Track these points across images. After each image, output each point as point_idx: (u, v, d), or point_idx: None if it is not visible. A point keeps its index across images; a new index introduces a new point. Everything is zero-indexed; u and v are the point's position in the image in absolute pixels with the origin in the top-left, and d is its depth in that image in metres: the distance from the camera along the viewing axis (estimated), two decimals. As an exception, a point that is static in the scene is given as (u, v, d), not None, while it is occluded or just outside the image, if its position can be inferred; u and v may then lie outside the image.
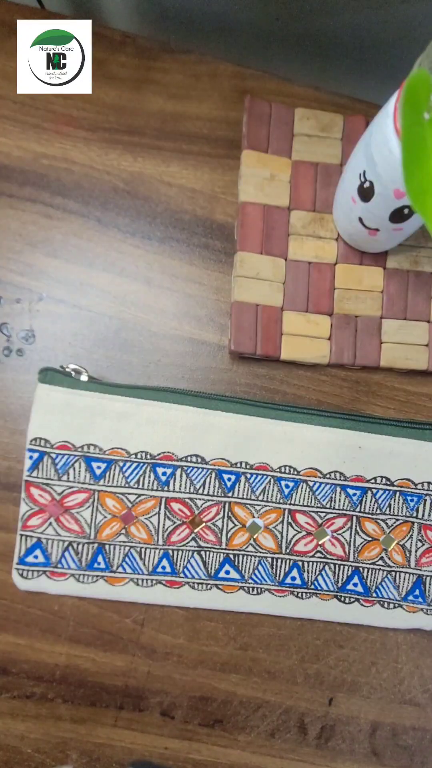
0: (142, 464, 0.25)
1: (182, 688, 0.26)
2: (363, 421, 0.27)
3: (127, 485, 0.25)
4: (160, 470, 0.25)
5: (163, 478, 0.25)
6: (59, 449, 0.25)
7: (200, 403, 0.25)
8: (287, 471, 0.26)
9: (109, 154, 0.27)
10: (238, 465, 0.26)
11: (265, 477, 0.26)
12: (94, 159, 0.27)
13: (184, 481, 0.26)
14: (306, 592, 0.26)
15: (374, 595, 0.26)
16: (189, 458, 0.26)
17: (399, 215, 0.23)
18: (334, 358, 0.27)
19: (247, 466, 0.26)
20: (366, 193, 0.22)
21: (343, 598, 0.26)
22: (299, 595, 0.26)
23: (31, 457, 0.25)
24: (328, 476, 0.26)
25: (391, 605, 0.27)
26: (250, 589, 0.26)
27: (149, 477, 0.25)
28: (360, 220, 0.24)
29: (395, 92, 0.20)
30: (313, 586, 0.26)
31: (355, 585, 0.26)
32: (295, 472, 0.26)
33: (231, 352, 0.27)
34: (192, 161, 0.28)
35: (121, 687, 0.26)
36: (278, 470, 0.26)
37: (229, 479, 0.26)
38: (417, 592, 0.27)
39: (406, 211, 0.22)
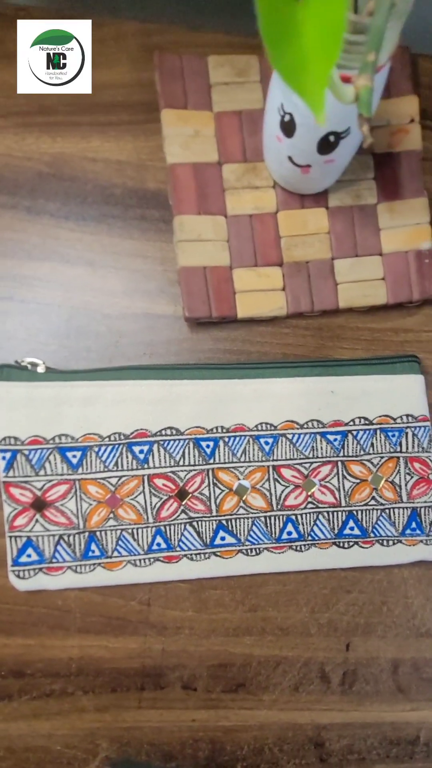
0: (117, 446, 0.27)
1: (199, 659, 0.28)
2: (331, 365, 0.28)
3: (106, 469, 0.27)
4: (136, 449, 0.27)
5: (141, 456, 0.27)
6: (30, 444, 0.26)
7: (163, 375, 0.27)
8: (264, 428, 0.28)
9: (26, 139, 0.28)
10: (214, 430, 0.27)
11: (243, 438, 0.27)
12: (12, 146, 0.28)
13: (162, 455, 0.27)
14: (304, 545, 0.28)
15: (372, 535, 0.28)
16: (163, 432, 0.27)
17: (326, 145, 0.24)
18: (291, 308, 0.28)
19: (224, 430, 0.27)
20: (288, 127, 0.23)
21: (341, 544, 0.28)
22: (298, 548, 0.28)
23: (3, 458, 0.26)
24: (305, 426, 0.28)
25: (390, 542, 0.28)
26: (249, 550, 0.27)
27: (127, 457, 0.27)
28: (290, 158, 0.25)
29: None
30: (310, 537, 0.28)
31: (352, 529, 0.28)
32: (272, 428, 0.28)
33: (187, 320, 0.28)
34: (112, 132, 0.28)
35: (139, 668, 0.28)
36: (255, 428, 0.27)
37: (207, 446, 0.27)
38: (414, 525, 0.28)
39: (332, 138, 0.23)
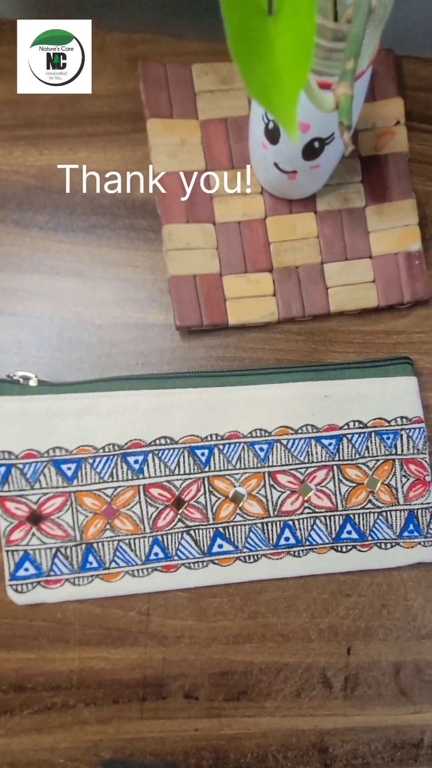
0: (111, 457, 0.27)
1: (200, 668, 0.28)
2: (324, 370, 0.28)
3: (101, 480, 0.27)
4: (131, 459, 0.27)
5: (136, 466, 0.27)
6: (25, 458, 0.26)
7: (156, 385, 0.27)
8: (258, 434, 0.28)
9: (13, 153, 0.28)
10: (209, 438, 0.27)
11: (237, 445, 0.28)
12: (-1, 160, 0.28)
13: (157, 465, 0.27)
14: (302, 550, 0.28)
15: (370, 538, 0.28)
16: (158, 441, 0.27)
17: (311, 151, 0.24)
18: (282, 314, 0.28)
19: (218, 438, 0.27)
20: (273, 134, 0.23)
21: (339, 548, 0.28)
22: (296, 553, 0.28)
23: (-2, 472, 0.26)
24: (300, 431, 0.28)
25: (389, 545, 0.28)
26: (247, 557, 0.28)
27: (122, 468, 0.27)
28: (276, 165, 0.25)
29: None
30: (308, 542, 0.28)
31: (349, 532, 0.28)
32: (267, 434, 0.28)
33: (178, 328, 0.28)
34: (99, 143, 0.29)
35: (140, 679, 0.28)
36: (249, 435, 0.28)
37: (202, 454, 0.27)
38: (411, 527, 0.28)
39: (316, 144, 0.23)
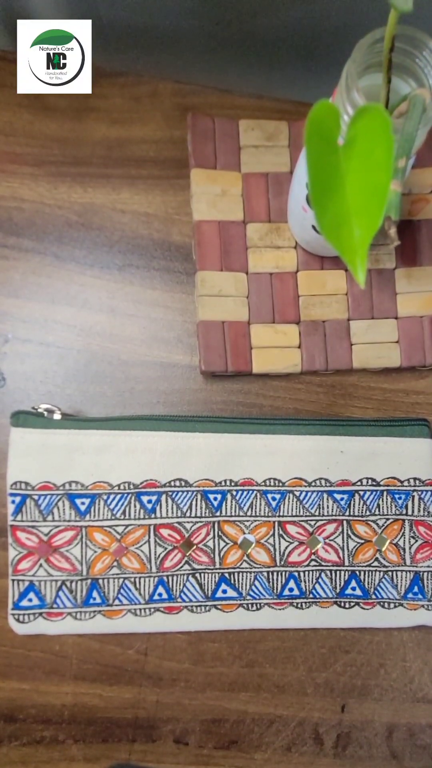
0: (126, 495, 0.27)
1: (193, 713, 0.28)
2: (342, 425, 0.29)
3: (113, 517, 0.27)
4: (145, 498, 0.27)
5: (149, 506, 0.27)
6: (41, 490, 0.27)
7: (177, 427, 0.27)
8: (272, 483, 0.28)
9: (59, 188, 0.29)
10: (223, 483, 0.28)
11: (251, 492, 0.28)
12: (44, 194, 0.29)
13: (170, 506, 0.27)
14: (305, 602, 0.28)
15: (374, 596, 0.28)
16: (173, 483, 0.28)
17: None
18: (306, 366, 0.29)
19: (232, 484, 0.28)
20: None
21: (343, 604, 0.28)
22: (299, 605, 0.28)
23: (13, 501, 0.26)
24: (313, 484, 0.28)
25: (392, 605, 0.29)
26: (250, 605, 0.28)
27: (135, 506, 0.27)
28: (313, 227, 0.26)
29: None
30: (311, 595, 0.28)
31: (354, 589, 0.28)
32: (281, 484, 0.28)
33: (203, 372, 0.29)
34: (142, 185, 0.30)
35: (131, 719, 0.28)
36: (263, 484, 0.28)
37: (215, 498, 0.28)
38: (416, 589, 0.29)
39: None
